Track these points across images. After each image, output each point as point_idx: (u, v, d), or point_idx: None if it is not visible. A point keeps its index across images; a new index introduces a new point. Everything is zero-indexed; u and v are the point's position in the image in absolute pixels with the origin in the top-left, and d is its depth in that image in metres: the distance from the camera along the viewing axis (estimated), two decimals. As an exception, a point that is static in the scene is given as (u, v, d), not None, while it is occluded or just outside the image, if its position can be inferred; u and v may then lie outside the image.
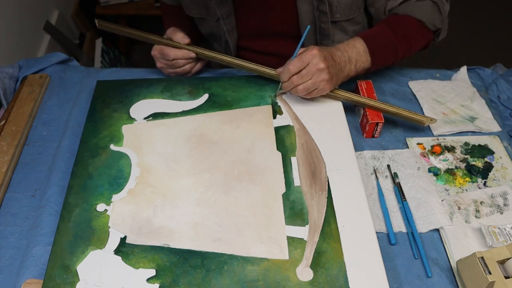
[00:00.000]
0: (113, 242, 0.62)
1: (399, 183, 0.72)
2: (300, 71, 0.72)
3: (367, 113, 0.77)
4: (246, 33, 0.94)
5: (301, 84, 0.73)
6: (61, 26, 1.55)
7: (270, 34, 0.93)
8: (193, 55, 0.83)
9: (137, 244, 0.62)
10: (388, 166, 0.74)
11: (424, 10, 0.82)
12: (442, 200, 0.70)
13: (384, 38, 0.79)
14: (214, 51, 0.84)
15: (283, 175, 0.69)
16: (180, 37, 0.84)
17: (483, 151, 0.77)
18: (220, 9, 0.87)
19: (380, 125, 0.77)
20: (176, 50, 0.83)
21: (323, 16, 0.85)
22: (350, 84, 0.82)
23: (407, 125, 0.82)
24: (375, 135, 0.79)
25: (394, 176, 0.72)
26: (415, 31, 0.82)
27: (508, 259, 0.57)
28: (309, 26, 0.74)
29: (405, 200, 0.69)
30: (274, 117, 0.78)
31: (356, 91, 0.82)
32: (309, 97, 0.77)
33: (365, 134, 0.79)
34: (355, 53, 0.76)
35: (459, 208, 0.69)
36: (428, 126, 0.81)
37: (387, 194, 0.71)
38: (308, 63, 0.71)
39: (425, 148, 0.78)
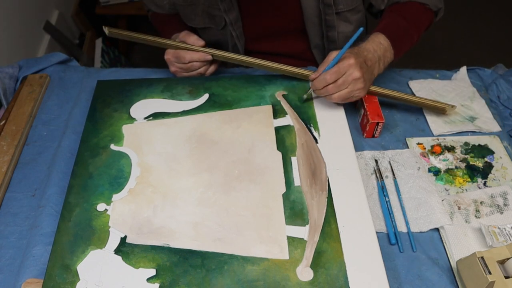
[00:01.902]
0: (113, 241, 0.62)
1: (389, 162, 0.75)
2: (336, 80, 0.72)
3: (368, 112, 0.77)
4: (253, 35, 0.94)
5: (337, 93, 0.73)
6: (61, 26, 1.55)
7: (276, 33, 0.94)
8: (209, 57, 0.82)
9: (137, 243, 0.62)
10: (390, 163, 0.74)
11: None
12: (442, 200, 0.70)
13: (400, 29, 0.81)
14: (231, 52, 0.83)
15: (283, 175, 0.69)
16: (194, 39, 0.82)
17: (483, 151, 0.77)
18: (229, 16, 0.87)
19: (381, 125, 0.77)
20: (191, 53, 0.82)
21: (327, 8, 0.85)
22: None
23: (407, 125, 0.82)
24: (375, 135, 0.79)
25: (391, 169, 0.73)
26: (421, 15, 0.85)
27: (508, 259, 0.57)
28: (361, 28, 0.73)
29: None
30: (276, 118, 0.78)
31: None
32: (341, 103, 0.77)
33: (365, 134, 0.79)
34: (382, 50, 0.77)
35: (459, 208, 0.69)
36: (428, 126, 0.81)
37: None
38: (345, 72, 0.71)
39: (425, 148, 0.78)
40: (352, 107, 0.84)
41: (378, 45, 0.77)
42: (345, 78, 0.71)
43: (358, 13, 0.91)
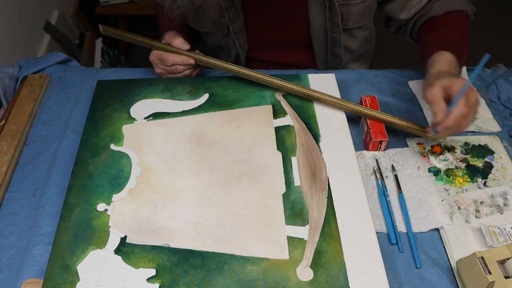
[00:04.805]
0: (113, 241, 0.62)
1: (396, 176, 0.72)
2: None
3: (371, 130, 0.74)
4: (257, 45, 0.94)
5: (465, 123, 0.66)
6: (61, 26, 1.55)
7: (280, 45, 0.93)
8: (191, 61, 0.82)
9: (137, 243, 0.62)
10: (393, 166, 0.74)
11: (459, 0, 0.81)
12: (442, 200, 0.70)
13: (456, 41, 0.77)
14: (216, 59, 0.82)
15: (283, 175, 0.69)
16: (180, 42, 0.82)
17: (483, 151, 0.77)
18: (233, 25, 0.87)
19: (384, 143, 0.75)
20: (174, 55, 0.81)
21: (335, 26, 0.85)
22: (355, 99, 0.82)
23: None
24: (380, 150, 0.77)
25: (392, 169, 0.73)
26: (465, 22, 0.82)
27: (508, 259, 0.57)
28: (487, 55, 0.64)
29: (401, 192, 0.70)
30: (276, 118, 0.78)
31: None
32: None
33: (369, 149, 0.77)
34: (454, 68, 0.72)
35: (459, 208, 0.69)
36: (428, 124, 0.81)
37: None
38: (470, 98, 0.65)
39: (425, 148, 0.78)
40: (356, 122, 0.82)
41: (450, 64, 0.71)
42: (472, 105, 0.64)
43: (366, 30, 0.91)
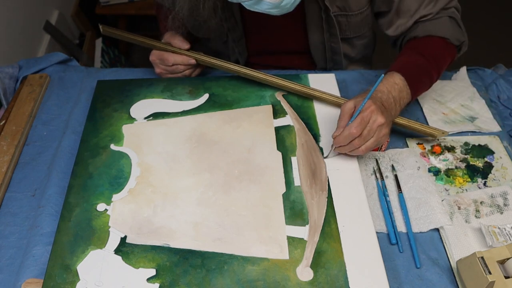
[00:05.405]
0: (113, 241, 0.62)
1: (396, 176, 0.72)
2: (361, 132, 0.65)
3: None
4: (256, 52, 0.94)
5: (363, 145, 0.66)
6: (61, 26, 1.54)
7: (280, 52, 0.93)
8: (192, 61, 0.82)
9: (137, 243, 0.62)
10: (392, 166, 0.74)
11: (445, 26, 0.79)
12: (442, 200, 0.70)
13: (418, 67, 0.75)
14: (216, 58, 0.82)
15: (283, 175, 0.69)
16: (179, 42, 0.82)
17: (483, 151, 0.77)
18: (232, 34, 0.87)
19: (385, 143, 0.75)
20: (175, 55, 0.82)
21: (333, 37, 0.85)
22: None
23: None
24: (381, 150, 0.77)
25: (392, 169, 0.73)
26: (443, 50, 0.79)
27: (508, 259, 0.57)
28: (382, 75, 0.67)
29: (401, 192, 0.70)
30: (276, 118, 0.78)
31: None
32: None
33: None
34: (397, 91, 0.71)
35: (459, 208, 0.69)
36: (428, 124, 0.81)
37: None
38: (368, 120, 0.65)
39: (425, 148, 0.78)
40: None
41: (393, 86, 0.71)
42: (370, 127, 0.65)
43: (365, 38, 0.91)
